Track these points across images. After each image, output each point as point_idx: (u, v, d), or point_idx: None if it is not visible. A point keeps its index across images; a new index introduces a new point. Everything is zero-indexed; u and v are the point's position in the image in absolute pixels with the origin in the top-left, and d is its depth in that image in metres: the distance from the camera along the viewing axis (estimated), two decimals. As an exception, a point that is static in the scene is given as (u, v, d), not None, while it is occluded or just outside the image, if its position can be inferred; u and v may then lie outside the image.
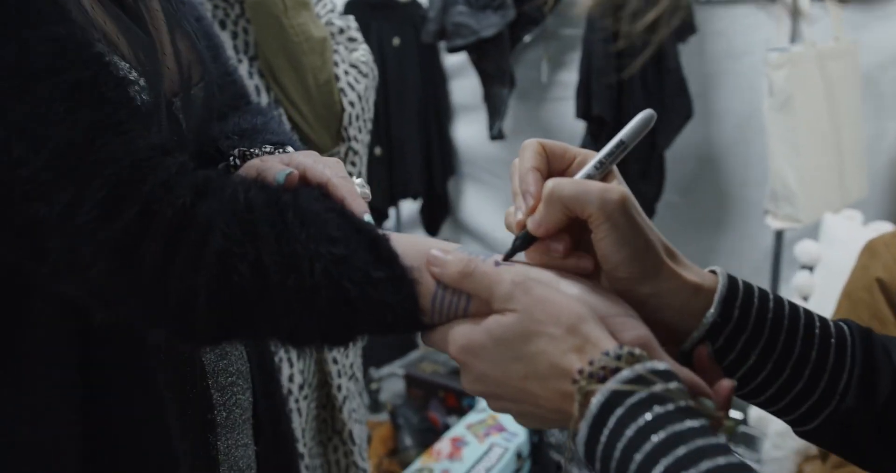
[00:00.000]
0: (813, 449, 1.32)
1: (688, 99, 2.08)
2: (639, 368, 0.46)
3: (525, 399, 0.52)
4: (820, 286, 1.62)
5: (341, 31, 1.35)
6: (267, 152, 0.74)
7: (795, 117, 1.75)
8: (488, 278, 0.53)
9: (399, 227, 2.98)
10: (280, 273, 0.54)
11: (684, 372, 0.50)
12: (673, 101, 2.08)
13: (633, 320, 0.52)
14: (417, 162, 2.76)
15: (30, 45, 0.52)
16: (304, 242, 0.55)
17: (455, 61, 2.77)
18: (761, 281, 2.13)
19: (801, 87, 1.75)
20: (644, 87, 2.08)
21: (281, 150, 0.75)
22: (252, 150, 0.74)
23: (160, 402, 0.68)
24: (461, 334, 0.54)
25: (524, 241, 0.58)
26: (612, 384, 0.46)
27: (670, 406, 0.45)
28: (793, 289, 1.69)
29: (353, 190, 0.65)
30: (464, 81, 2.78)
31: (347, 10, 2.66)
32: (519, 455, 1.86)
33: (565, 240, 0.56)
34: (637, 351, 0.48)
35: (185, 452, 0.70)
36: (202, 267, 0.54)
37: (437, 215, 2.94)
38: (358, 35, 1.38)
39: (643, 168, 2.14)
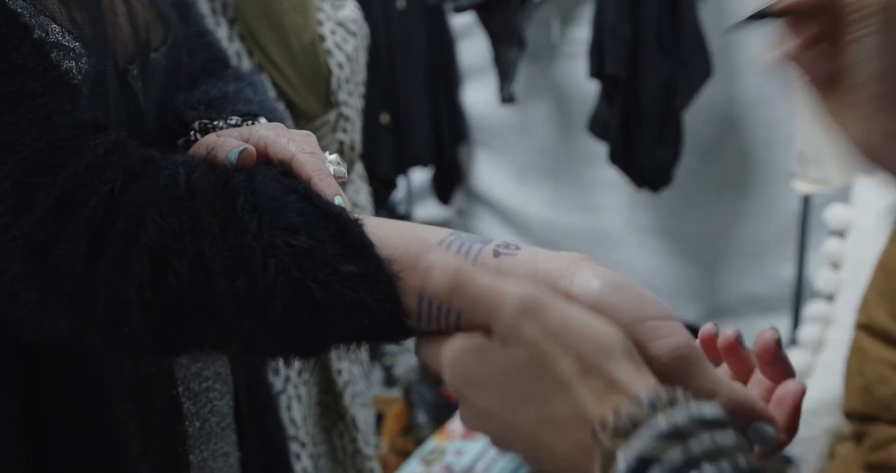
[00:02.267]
0: (846, 430, 1.24)
1: (707, 56, 1.96)
2: (679, 416, 0.35)
3: (539, 447, 0.40)
4: (851, 254, 1.52)
5: None
6: (232, 125, 0.63)
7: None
8: (485, 298, 0.40)
9: (410, 196, 2.90)
10: (226, 272, 0.45)
11: (737, 392, 0.40)
12: (691, 58, 1.95)
13: (669, 323, 0.41)
14: (426, 128, 2.66)
15: None
16: (255, 232, 0.45)
17: (463, 22, 2.65)
18: (787, 248, 2.03)
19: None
20: (660, 43, 1.96)
21: (250, 121, 0.64)
22: (215, 121, 0.63)
23: (115, 416, 0.60)
24: (459, 358, 0.41)
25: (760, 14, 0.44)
26: (643, 441, 0.34)
27: (724, 466, 0.33)
28: (822, 257, 1.59)
29: (323, 168, 0.54)
30: (472, 43, 2.66)
31: (348, -30, 2.55)
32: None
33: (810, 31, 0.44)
34: (678, 395, 0.36)
35: (148, 469, 0.63)
36: (133, 267, 0.45)
37: (449, 184, 2.85)
38: None
39: (659, 131, 2.03)
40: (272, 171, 0.52)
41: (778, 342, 0.41)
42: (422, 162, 2.70)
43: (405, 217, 2.93)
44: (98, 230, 0.45)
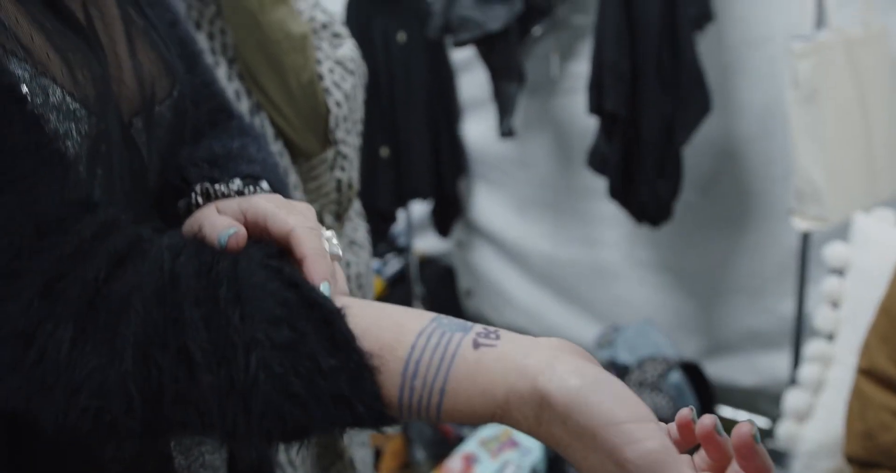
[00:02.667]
0: (848, 470, 1.22)
1: (706, 92, 1.97)
2: None
3: None
4: (851, 293, 1.51)
5: (324, 26, 1.26)
6: (234, 190, 0.62)
7: (822, 110, 1.64)
8: None
9: (409, 229, 2.89)
10: (209, 367, 0.45)
11: None
12: (690, 94, 1.96)
13: (645, 426, 0.41)
14: (426, 161, 2.66)
15: None
16: (237, 325, 0.45)
17: (463, 55, 2.67)
18: (787, 284, 2.02)
19: (827, 78, 1.64)
20: (659, 79, 1.97)
21: (252, 185, 0.63)
22: (217, 185, 0.63)
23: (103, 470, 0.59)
24: None
25: None
26: None
27: None
28: (822, 295, 1.58)
29: (319, 246, 0.54)
30: (472, 76, 2.68)
31: (350, 5, 2.57)
32: (533, 473, 1.77)
33: None
34: None
35: None
36: (116, 358, 0.45)
37: (448, 216, 2.85)
38: (343, 30, 1.28)
39: (659, 165, 2.03)
40: (259, 254, 0.52)
41: (755, 437, 0.41)
42: (421, 195, 2.71)
43: (404, 249, 2.93)
44: (82, 320, 0.45)
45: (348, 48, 1.26)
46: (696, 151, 2.09)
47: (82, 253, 0.46)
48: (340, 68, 1.21)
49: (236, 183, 0.63)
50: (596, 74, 2.02)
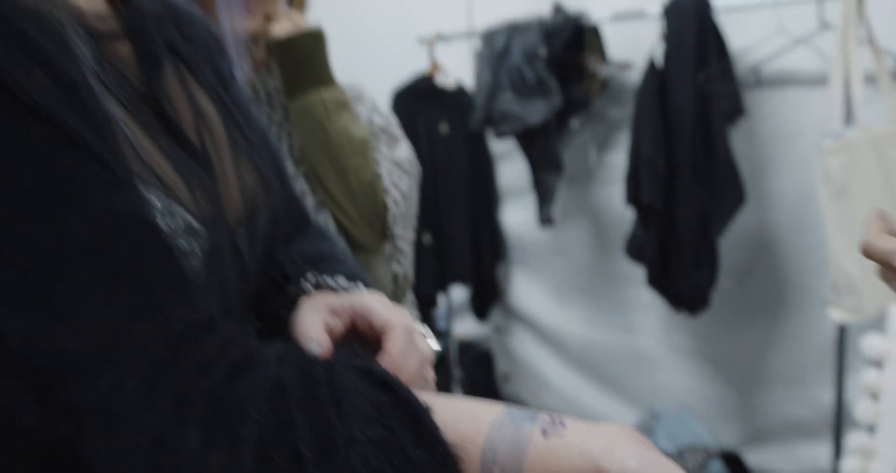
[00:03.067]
0: None
1: (739, 185, 2.04)
2: None
3: None
4: (891, 385, 1.53)
5: (383, 129, 1.36)
6: (341, 286, 0.74)
7: (853, 205, 1.69)
8: None
9: (449, 312, 2.95)
10: (317, 464, 0.52)
11: None
12: (724, 187, 2.03)
13: None
14: (466, 247, 2.74)
15: (69, 225, 0.50)
16: (337, 425, 0.53)
17: (502, 145, 2.78)
18: (826, 373, 2.03)
19: (857, 174, 1.70)
20: (694, 172, 2.04)
21: (355, 283, 0.75)
22: (325, 277, 0.74)
23: None
24: None
25: None
26: None
27: None
28: (861, 387, 1.60)
29: (402, 346, 0.64)
30: (511, 165, 2.78)
31: (396, 98, 2.70)
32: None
33: None
34: None
35: None
36: (239, 459, 0.52)
37: (487, 301, 2.91)
38: (399, 132, 1.38)
39: (696, 255, 2.09)
40: (349, 356, 0.61)
41: None
42: (461, 279, 2.77)
43: (444, 333, 2.98)
44: (209, 425, 0.52)
45: (404, 150, 1.36)
46: (731, 242, 2.14)
47: (206, 367, 0.53)
48: (398, 169, 1.30)
49: (342, 280, 0.73)
50: (632, 167, 2.11)
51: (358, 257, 1.27)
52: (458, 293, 3.01)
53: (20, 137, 0.50)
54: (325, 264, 0.77)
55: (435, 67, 2.69)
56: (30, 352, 0.49)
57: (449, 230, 2.69)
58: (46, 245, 0.49)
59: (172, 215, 0.57)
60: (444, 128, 2.71)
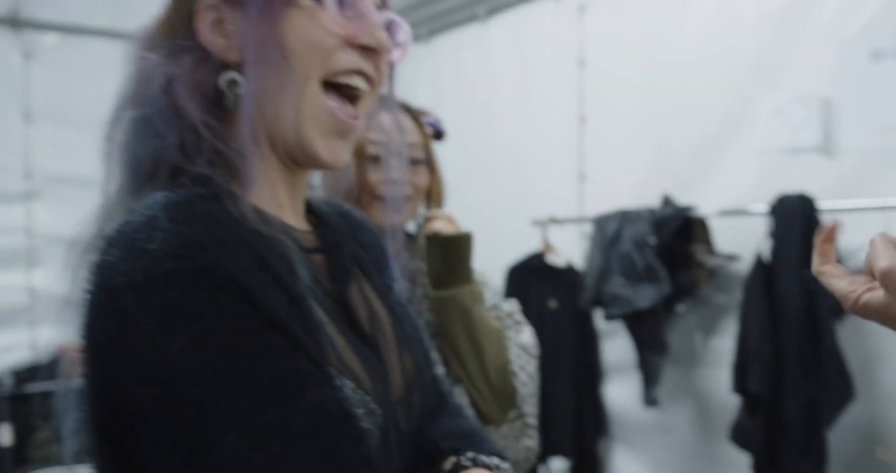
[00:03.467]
0: None
1: (848, 379, 2.08)
2: None
3: None
4: None
5: (508, 314, 1.51)
6: (494, 464, 0.86)
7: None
8: None
9: (547, 485, 2.96)
10: None
11: None
12: (832, 380, 2.08)
13: None
14: (568, 420, 2.80)
15: (292, 414, 0.65)
16: None
17: (608, 323, 2.89)
18: None
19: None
20: (801, 364, 2.10)
21: (501, 459, 0.87)
22: (481, 456, 0.86)
23: None
24: None
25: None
26: None
27: None
28: None
29: None
30: (616, 342, 2.87)
31: (509, 273, 2.88)
32: None
33: None
34: None
35: None
36: None
37: (587, 475, 2.92)
38: (522, 318, 1.53)
39: (803, 446, 2.10)
40: None
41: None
42: (562, 453, 2.81)
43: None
44: None
45: (528, 334, 1.50)
46: (840, 432, 2.15)
47: None
48: (525, 353, 1.44)
49: (495, 459, 0.85)
50: (740, 355, 2.18)
51: (488, 430, 1.39)
52: (558, 466, 3.03)
53: (261, 342, 0.65)
54: (473, 441, 0.89)
55: (547, 246, 2.88)
56: None
57: (552, 403, 2.76)
58: (276, 429, 0.64)
59: (359, 400, 0.72)
60: (552, 303, 2.85)
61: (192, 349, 0.62)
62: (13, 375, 3.08)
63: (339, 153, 0.78)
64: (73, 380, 0.72)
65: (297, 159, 0.77)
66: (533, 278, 2.87)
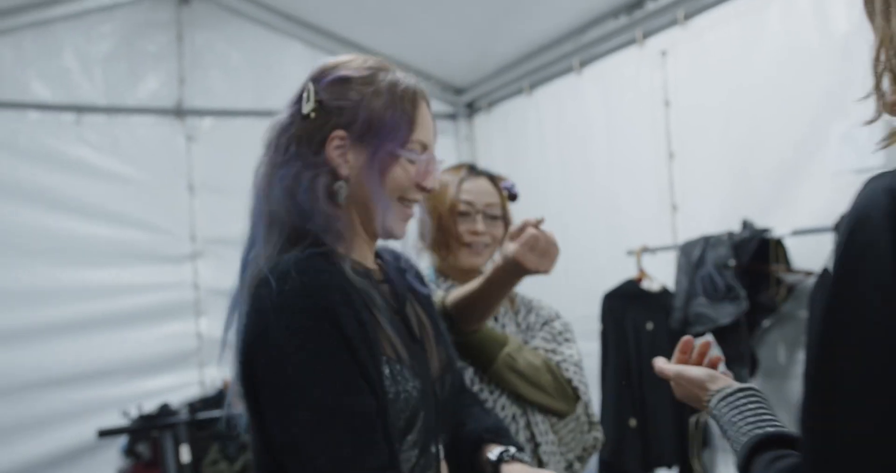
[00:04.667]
0: None
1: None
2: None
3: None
4: None
5: (560, 332, 1.82)
6: (525, 459, 1.26)
7: None
8: None
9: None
10: None
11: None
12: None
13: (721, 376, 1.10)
14: (671, 433, 3.01)
15: (344, 404, 1.06)
16: None
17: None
18: None
19: None
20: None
21: (525, 454, 1.29)
22: (522, 454, 1.27)
23: None
24: None
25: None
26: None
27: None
28: None
29: None
30: (715, 360, 3.06)
31: (606, 299, 3.16)
32: None
33: None
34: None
35: None
36: None
37: (693, 486, 3.10)
38: (572, 335, 1.83)
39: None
40: None
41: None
42: (666, 463, 3.02)
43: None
44: None
45: (576, 350, 1.81)
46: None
47: None
48: (574, 367, 1.75)
49: (526, 456, 1.25)
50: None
51: (552, 422, 1.71)
52: (665, 477, 3.23)
53: (342, 362, 1.06)
54: (507, 435, 1.31)
55: (642, 273, 3.13)
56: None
57: (654, 416, 2.99)
58: (333, 412, 1.07)
59: (406, 376, 1.11)
60: (649, 325, 3.09)
61: (298, 350, 1.05)
62: (188, 406, 3.65)
63: (404, 231, 1.24)
64: (235, 409, 1.15)
65: (378, 235, 1.23)
66: (630, 303, 3.12)
